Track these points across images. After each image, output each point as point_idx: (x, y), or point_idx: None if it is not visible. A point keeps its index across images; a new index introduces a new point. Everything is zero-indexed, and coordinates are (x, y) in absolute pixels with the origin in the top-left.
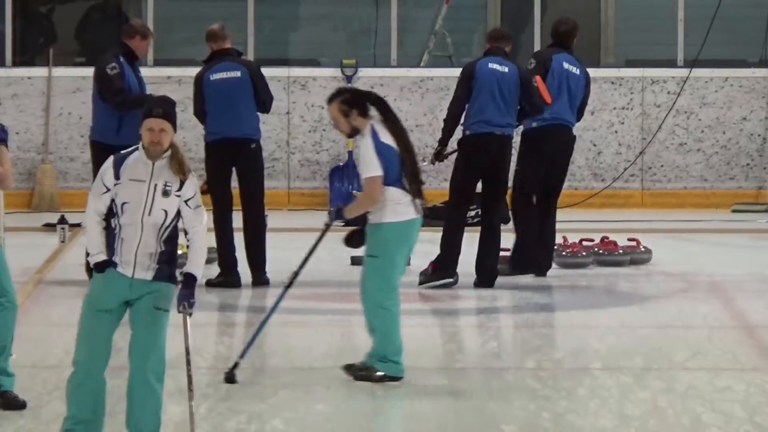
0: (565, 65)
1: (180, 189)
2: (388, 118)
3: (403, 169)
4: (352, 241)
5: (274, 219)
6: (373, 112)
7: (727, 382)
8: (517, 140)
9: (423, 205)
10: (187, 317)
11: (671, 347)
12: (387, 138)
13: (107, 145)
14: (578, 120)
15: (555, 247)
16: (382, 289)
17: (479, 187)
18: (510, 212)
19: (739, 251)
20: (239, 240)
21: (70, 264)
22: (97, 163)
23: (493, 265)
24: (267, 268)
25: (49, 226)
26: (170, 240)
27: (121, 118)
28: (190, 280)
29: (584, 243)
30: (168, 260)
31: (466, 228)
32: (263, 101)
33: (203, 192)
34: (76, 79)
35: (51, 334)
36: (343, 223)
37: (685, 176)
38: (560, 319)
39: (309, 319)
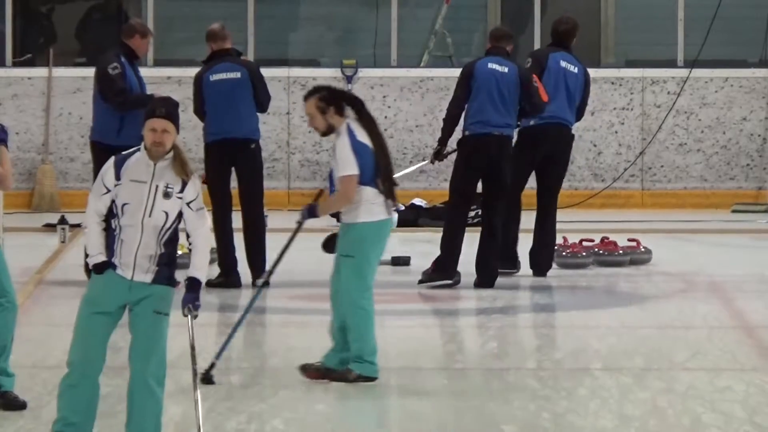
0: (563, 63)
1: (182, 191)
2: (363, 117)
3: (377, 169)
4: (330, 246)
5: (274, 219)
6: (349, 111)
7: (727, 382)
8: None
9: (395, 207)
10: (192, 319)
11: (671, 347)
12: (363, 137)
13: (108, 145)
14: (578, 119)
15: (555, 247)
16: (358, 289)
17: (480, 187)
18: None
19: (739, 251)
20: (239, 240)
21: (71, 264)
22: (98, 163)
23: (494, 265)
24: (267, 268)
25: (50, 227)
26: (170, 242)
27: (123, 119)
28: (194, 284)
29: (584, 243)
30: (168, 262)
31: (466, 228)
32: (261, 102)
33: (203, 182)
34: (77, 79)
35: (51, 334)
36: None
37: (685, 176)
38: (560, 319)
39: (309, 319)
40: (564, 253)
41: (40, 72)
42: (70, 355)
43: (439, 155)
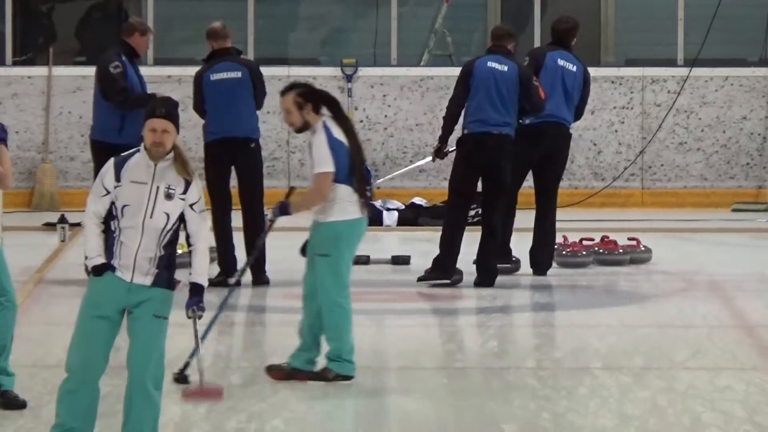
0: (560, 62)
1: (185, 192)
2: (339, 117)
3: (351, 168)
4: (307, 251)
5: None
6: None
7: (727, 381)
8: None
9: (366, 208)
10: (197, 319)
11: (671, 347)
12: (339, 135)
13: (109, 144)
14: (578, 118)
15: (555, 246)
16: (336, 287)
17: (480, 186)
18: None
19: (739, 250)
20: (239, 239)
21: (71, 263)
22: (99, 162)
23: (493, 265)
24: (267, 268)
25: (50, 226)
26: (170, 244)
27: (124, 118)
28: (198, 289)
29: (584, 242)
30: (168, 265)
31: (466, 227)
32: (259, 100)
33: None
34: (77, 78)
35: (51, 333)
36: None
37: (685, 175)
38: (560, 318)
39: None
40: (564, 252)
41: (40, 71)
42: (69, 360)
43: (439, 153)
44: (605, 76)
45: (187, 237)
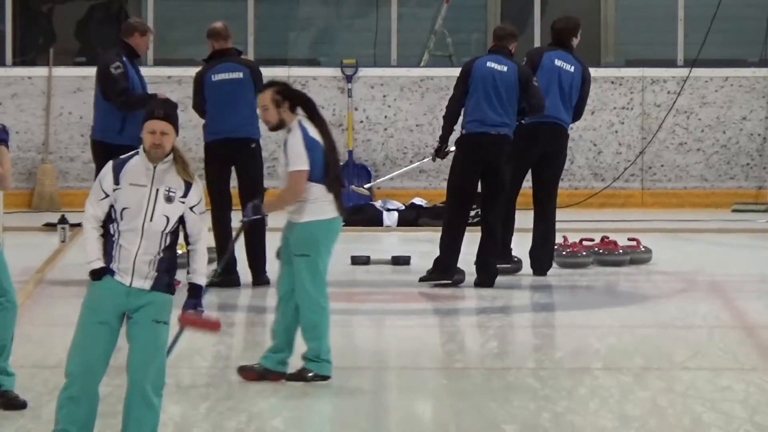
0: (557, 62)
1: (185, 195)
2: (315, 118)
3: (326, 168)
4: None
5: (274, 219)
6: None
7: (727, 382)
8: None
9: (342, 209)
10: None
11: (671, 347)
12: (315, 134)
13: (110, 144)
14: (577, 119)
15: (555, 246)
16: (316, 287)
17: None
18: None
19: (739, 251)
20: (239, 240)
21: (71, 264)
22: (100, 162)
23: (493, 265)
24: (267, 268)
25: (50, 226)
26: (170, 247)
27: (125, 118)
28: (197, 290)
29: (584, 243)
30: (167, 268)
31: (467, 228)
32: None
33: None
34: (77, 78)
35: (51, 333)
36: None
37: (685, 176)
38: (560, 318)
39: None
40: (564, 253)
41: (40, 71)
42: (68, 366)
43: (439, 153)
44: (605, 76)
45: (186, 237)
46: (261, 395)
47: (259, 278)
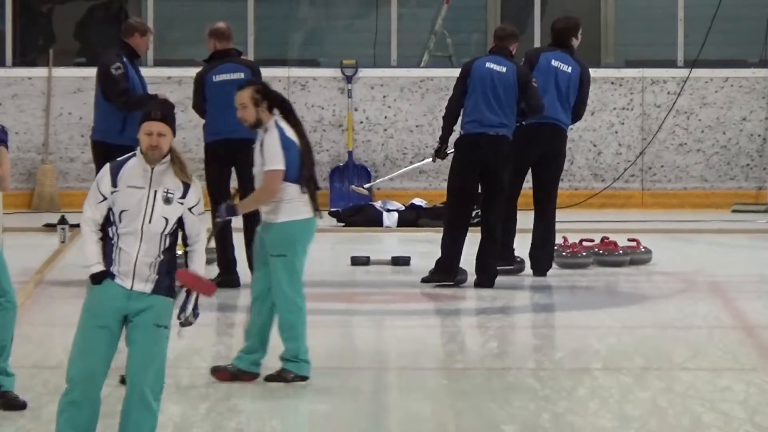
0: (554, 63)
1: (183, 196)
2: (290, 118)
3: (301, 168)
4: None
5: None
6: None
7: (727, 382)
8: None
9: (318, 212)
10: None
11: (671, 347)
12: (291, 134)
13: (110, 144)
14: (577, 120)
15: (555, 247)
16: (293, 286)
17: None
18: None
19: (739, 251)
20: (239, 240)
21: (71, 264)
22: (100, 163)
23: (493, 266)
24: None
25: (50, 227)
26: (169, 249)
27: (125, 118)
28: (195, 294)
29: (584, 243)
30: (168, 270)
31: (468, 228)
32: None
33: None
34: (77, 79)
35: (51, 334)
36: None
37: (685, 176)
38: (560, 319)
39: (309, 319)
40: (564, 253)
41: (40, 72)
42: (70, 371)
43: (439, 153)
44: (605, 77)
45: (184, 238)
46: (261, 395)
47: None
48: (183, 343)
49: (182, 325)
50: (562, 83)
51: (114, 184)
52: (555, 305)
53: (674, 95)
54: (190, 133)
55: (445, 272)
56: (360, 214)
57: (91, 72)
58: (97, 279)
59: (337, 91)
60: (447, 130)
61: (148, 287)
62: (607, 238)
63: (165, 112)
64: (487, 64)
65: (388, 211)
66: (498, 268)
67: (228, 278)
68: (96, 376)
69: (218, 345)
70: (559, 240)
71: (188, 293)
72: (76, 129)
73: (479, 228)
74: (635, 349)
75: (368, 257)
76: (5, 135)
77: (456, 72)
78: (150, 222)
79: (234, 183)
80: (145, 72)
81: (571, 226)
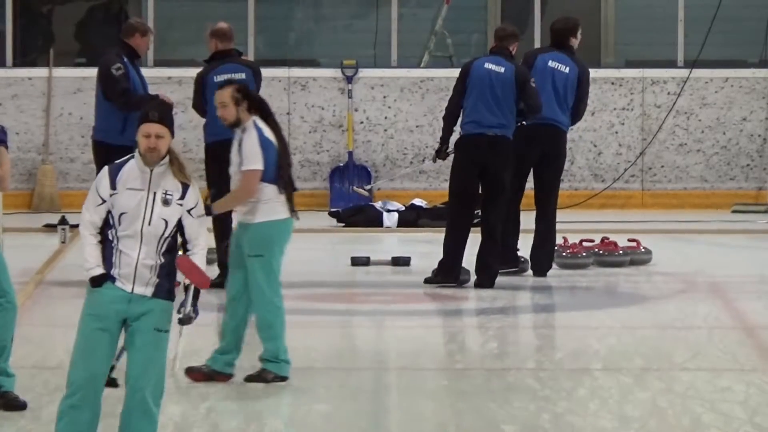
0: (551, 63)
1: (182, 198)
2: (269, 119)
3: (279, 169)
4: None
5: None
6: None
7: (727, 382)
8: None
9: (294, 211)
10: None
11: (671, 348)
12: (269, 135)
13: (111, 144)
14: (577, 120)
15: (555, 247)
16: (271, 286)
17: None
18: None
19: (739, 252)
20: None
21: (71, 265)
22: (101, 163)
23: (493, 266)
24: None
25: (50, 227)
26: (169, 252)
27: (126, 119)
28: (195, 292)
29: (584, 243)
30: (168, 273)
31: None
32: None
33: None
34: (77, 79)
35: (52, 334)
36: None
37: (685, 177)
38: (560, 319)
39: (309, 319)
40: (564, 254)
41: (40, 72)
42: (71, 375)
43: (440, 154)
44: (605, 77)
45: (184, 243)
46: (261, 395)
47: None
48: (183, 344)
49: (182, 321)
50: (560, 84)
51: (113, 186)
52: (555, 305)
53: (674, 95)
54: (190, 133)
55: (448, 273)
56: (360, 215)
57: (91, 72)
58: (97, 282)
59: (338, 92)
60: (447, 130)
61: (148, 290)
62: (607, 239)
63: (163, 113)
64: (486, 65)
65: (389, 211)
66: (504, 270)
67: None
68: (97, 380)
69: (216, 345)
70: (559, 240)
71: (187, 289)
72: (77, 129)
73: (479, 229)
74: (635, 350)
75: (368, 257)
76: (5, 135)
77: (456, 72)
78: (149, 224)
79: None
80: (146, 72)
81: (571, 226)
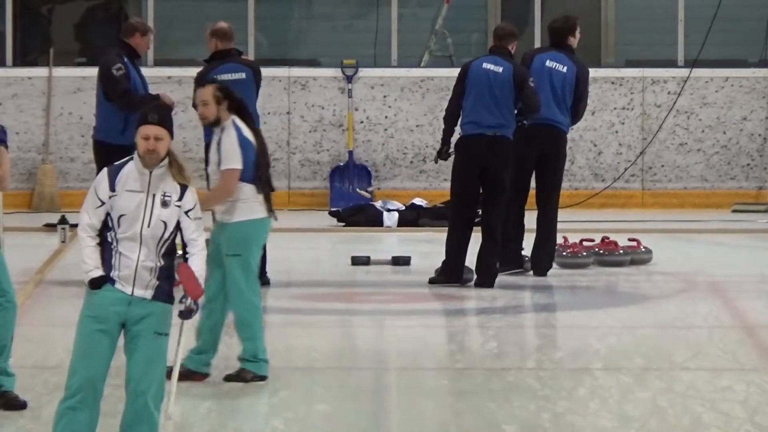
0: (548, 63)
1: (180, 199)
2: (247, 120)
3: (257, 169)
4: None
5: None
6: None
7: (727, 382)
8: None
9: (271, 211)
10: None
11: (671, 347)
12: (248, 134)
13: (112, 144)
14: (577, 120)
15: (555, 247)
16: (248, 285)
17: None
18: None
19: (739, 251)
20: None
21: (71, 264)
22: (101, 162)
23: (494, 265)
24: (267, 269)
25: (50, 227)
26: (169, 254)
27: (127, 118)
28: None
29: (585, 243)
30: (168, 276)
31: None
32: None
33: None
34: (77, 79)
35: (51, 334)
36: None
37: (685, 176)
38: (560, 319)
39: (309, 319)
40: (564, 253)
41: (40, 72)
42: (71, 378)
43: (441, 155)
44: (605, 77)
45: (184, 246)
46: (261, 395)
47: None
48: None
49: (182, 314)
50: (557, 83)
51: (112, 188)
52: (555, 305)
53: (674, 95)
54: (190, 133)
55: (451, 273)
56: (360, 214)
57: (91, 72)
58: (96, 284)
59: (338, 91)
60: (447, 131)
61: (148, 293)
62: (608, 238)
63: (162, 115)
64: (484, 65)
65: (389, 210)
66: (509, 272)
67: None
68: (96, 382)
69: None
70: (559, 240)
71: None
72: (76, 129)
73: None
74: (635, 349)
75: (368, 257)
76: (5, 135)
77: (456, 72)
78: (149, 226)
79: None
80: (145, 72)
81: (572, 226)
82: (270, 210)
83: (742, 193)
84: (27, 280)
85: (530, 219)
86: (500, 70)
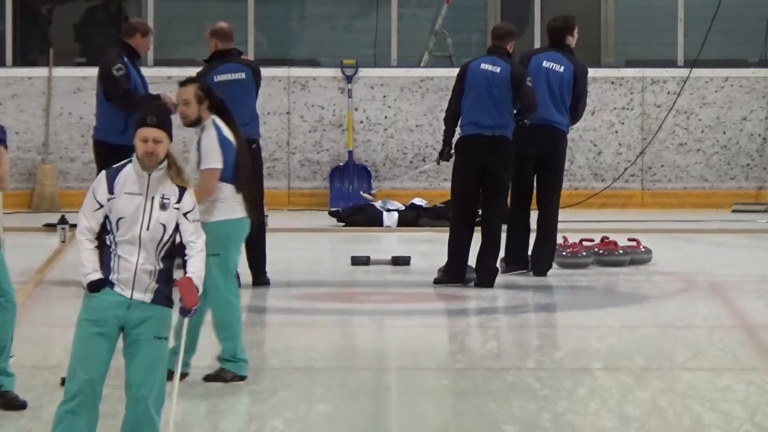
0: (545, 64)
1: (179, 201)
2: (227, 119)
3: (236, 169)
4: None
5: (274, 219)
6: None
7: (727, 382)
8: None
9: (249, 211)
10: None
11: (671, 347)
12: (228, 134)
13: (112, 144)
14: (576, 118)
15: (555, 247)
16: (227, 285)
17: None
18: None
19: (739, 251)
20: None
21: (71, 264)
22: (102, 162)
23: (493, 265)
24: (267, 269)
25: (50, 227)
26: (168, 257)
27: (127, 119)
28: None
29: (584, 243)
30: (167, 279)
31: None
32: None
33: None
34: (77, 79)
35: (51, 334)
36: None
37: (685, 176)
38: (560, 319)
39: (309, 319)
40: (564, 253)
41: (40, 72)
42: (70, 382)
43: (442, 155)
44: (605, 76)
45: (181, 246)
46: (261, 395)
47: (259, 279)
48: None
49: (183, 311)
50: (555, 83)
51: (111, 191)
52: (555, 305)
53: (674, 95)
54: (190, 133)
55: (453, 274)
56: (360, 214)
57: (91, 72)
58: (95, 287)
59: (338, 91)
60: (448, 132)
61: (147, 297)
62: (607, 238)
63: (161, 117)
64: (482, 65)
65: (389, 210)
66: (514, 272)
67: None
68: (95, 385)
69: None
70: (559, 240)
71: None
72: (76, 129)
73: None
74: (635, 349)
75: (368, 257)
76: (4, 135)
77: (456, 72)
78: (148, 229)
79: None
80: (145, 72)
81: (571, 226)
82: (249, 210)
83: (742, 193)
84: (27, 280)
85: (530, 219)
86: (498, 70)
